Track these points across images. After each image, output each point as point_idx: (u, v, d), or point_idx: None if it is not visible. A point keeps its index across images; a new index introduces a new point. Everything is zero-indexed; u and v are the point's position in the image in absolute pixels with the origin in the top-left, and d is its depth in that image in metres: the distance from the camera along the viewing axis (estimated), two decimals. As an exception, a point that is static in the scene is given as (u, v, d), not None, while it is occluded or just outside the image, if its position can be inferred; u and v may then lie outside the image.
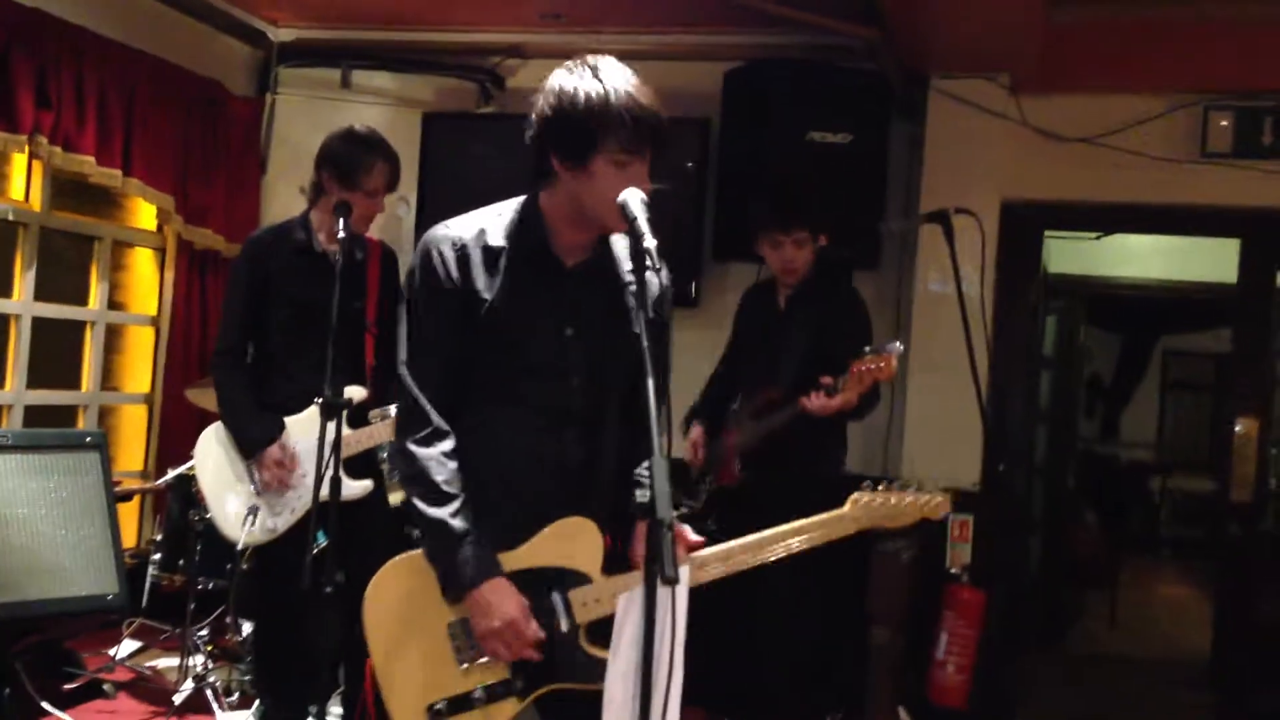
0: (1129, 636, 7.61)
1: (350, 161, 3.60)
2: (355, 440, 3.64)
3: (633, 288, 2.21)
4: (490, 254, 2.19)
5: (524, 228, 2.22)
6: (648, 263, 1.96)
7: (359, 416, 3.76)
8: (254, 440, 3.65)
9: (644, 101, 2.09)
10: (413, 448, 2.15)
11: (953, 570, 4.85)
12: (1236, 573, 5.20)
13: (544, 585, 2.15)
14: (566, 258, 2.23)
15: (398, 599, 2.15)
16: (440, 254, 2.17)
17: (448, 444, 2.14)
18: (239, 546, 3.68)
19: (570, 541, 2.16)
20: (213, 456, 3.77)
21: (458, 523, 2.09)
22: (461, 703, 2.10)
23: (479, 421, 2.19)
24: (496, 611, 2.06)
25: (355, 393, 3.60)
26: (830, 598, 4.14)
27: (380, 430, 3.77)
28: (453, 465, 2.13)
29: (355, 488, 3.62)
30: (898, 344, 3.67)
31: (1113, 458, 11.34)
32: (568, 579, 2.16)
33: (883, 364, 3.64)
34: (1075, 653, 6.95)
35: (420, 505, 2.12)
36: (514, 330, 2.18)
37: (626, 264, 2.24)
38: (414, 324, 2.22)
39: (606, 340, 2.10)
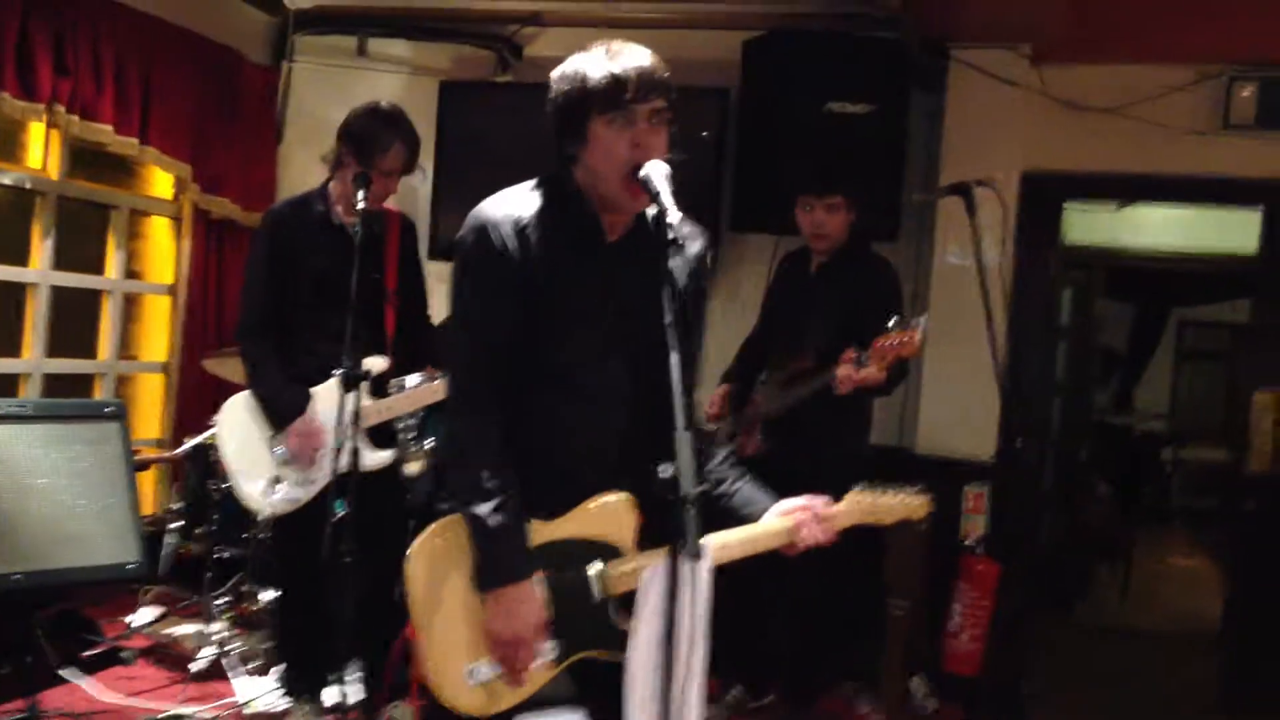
0: (1141, 607, 7.62)
1: (369, 140, 3.59)
2: (376, 411, 3.66)
3: (670, 260, 2.16)
4: (540, 231, 2.15)
5: (568, 206, 2.19)
6: (672, 236, 1.96)
7: (379, 387, 3.78)
8: (285, 413, 3.67)
9: (625, 58, 2.09)
10: (460, 433, 2.14)
11: (966, 542, 4.87)
12: (1250, 544, 5.19)
13: (578, 556, 2.17)
14: (609, 233, 2.21)
15: (440, 561, 2.15)
16: (500, 232, 2.13)
17: (496, 431, 2.12)
18: (262, 517, 3.71)
19: (606, 515, 2.18)
20: (236, 427, 3.79)
21: (495, 520, 2.07)
22: (508, 674, 2.12)
23: (526, 400, 2.17)
24: (508, 622, 2.07)
25: (376, 364, 3.62)
26: (846, 568, 4.15)
27: (400, 402, 3.79)
28: (499, 458, 2.11)
29: (376, 458, 3.64)
30: (923, 320, 3.66)
31: (1126, 428, 11.32)
32: (602, 551, 2.17)
33: (906, 339, 3.63)
34: (1087, 623, 6.97)
35: (464, 495, 2.10)
36: (561, 308, 2.16)
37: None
38: (464, 304, 2.17)
39: (650, 316, 2.03)
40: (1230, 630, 5.30)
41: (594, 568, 2.17)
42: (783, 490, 2.37)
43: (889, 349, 3.66)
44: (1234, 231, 6.66)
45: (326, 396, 3.62)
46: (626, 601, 2.14)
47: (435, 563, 2.16)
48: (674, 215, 1.98)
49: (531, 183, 2.24)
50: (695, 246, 2.28)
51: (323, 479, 3.62)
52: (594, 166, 2.13)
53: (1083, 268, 7.13)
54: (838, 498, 2.36)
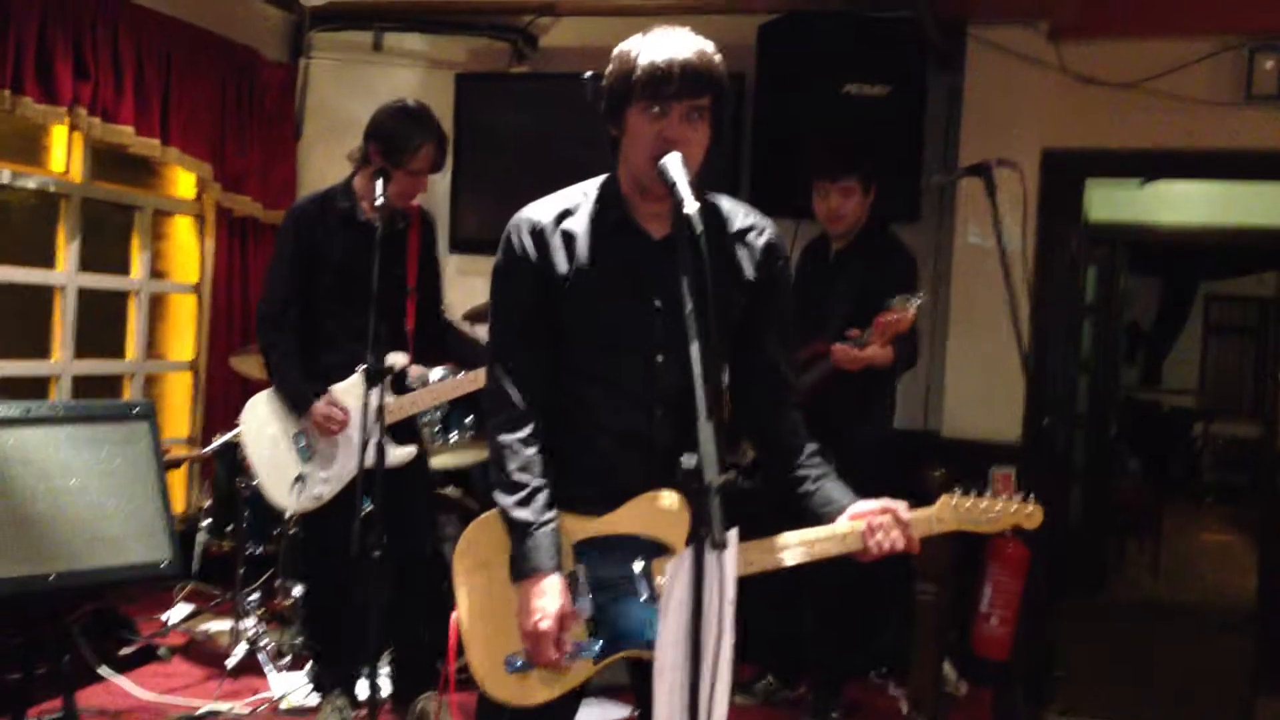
0: (1173, 584, 7.60)
1: (399, 140, 3.59)
2: (398, 407, 3.68)
3: (735, 251, 2.20)
4: (570, 231, 2.17)
5: (604, 203, 2.20)
6: (692, 228, 1.93)
7: (400, 383, 3.80)
8: (305, 396, 3.70)
9: (677, 48, 2.06)
10: (493, 432, 2.16)
11: (996, 523, 4.84)
12: (1282, 522, 5.15)
13: (627, 552, 2.15)
14: (654, 230, 2.20)
15: (484, 552, 2.17)
16: (518, 236, 2.18)
17: (526, 429, 2.14)
18: (287, 514, 3.74)
19: (656, 512, 2.15)
20: (259, 424, 3.82)
21: (519, 513, 2.09)
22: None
23: (569, 399, 2.19)
24: (528, 614, 2.08)
25: (398, 359, 3.64)
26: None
27: (422, 397, 3.81)
28: (528, 451, 2.13)
29: (399, 454, 3.66)
30: (919, 296, 3.70)
31: (1154, 405, 11.26)
32: (651, 548, 2.15)
33: (899, 316, 3.70)
34: (1119, 601, 6.94)
35: (495, 490, 2.14)
36: (597, 307, 2.16)
37: (733, 227, 2.22)
38: (496, 308, 2.23)
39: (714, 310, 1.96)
40: (1265, 605, 5.26)
41: (640, 565, 2.14)
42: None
43: (887, 325, 3.73)
44: (1259, 205, 6.61)
45: (349, 391, 3.65)
46: None
47: (478, 555, 2.18)
48: (691, 206, 1.96)
49: (583, 184, 2.25)
50: (762, 237, 2.25)
51: (346, 475, 3.65)
52: (627, 152, 2.14)
53: (1107, 245, 7.08)
54: (865, 483, 2.26)
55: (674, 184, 1.99)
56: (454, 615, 2.17)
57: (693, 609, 1.83)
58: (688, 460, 1.79)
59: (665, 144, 2.05)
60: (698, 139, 2.09)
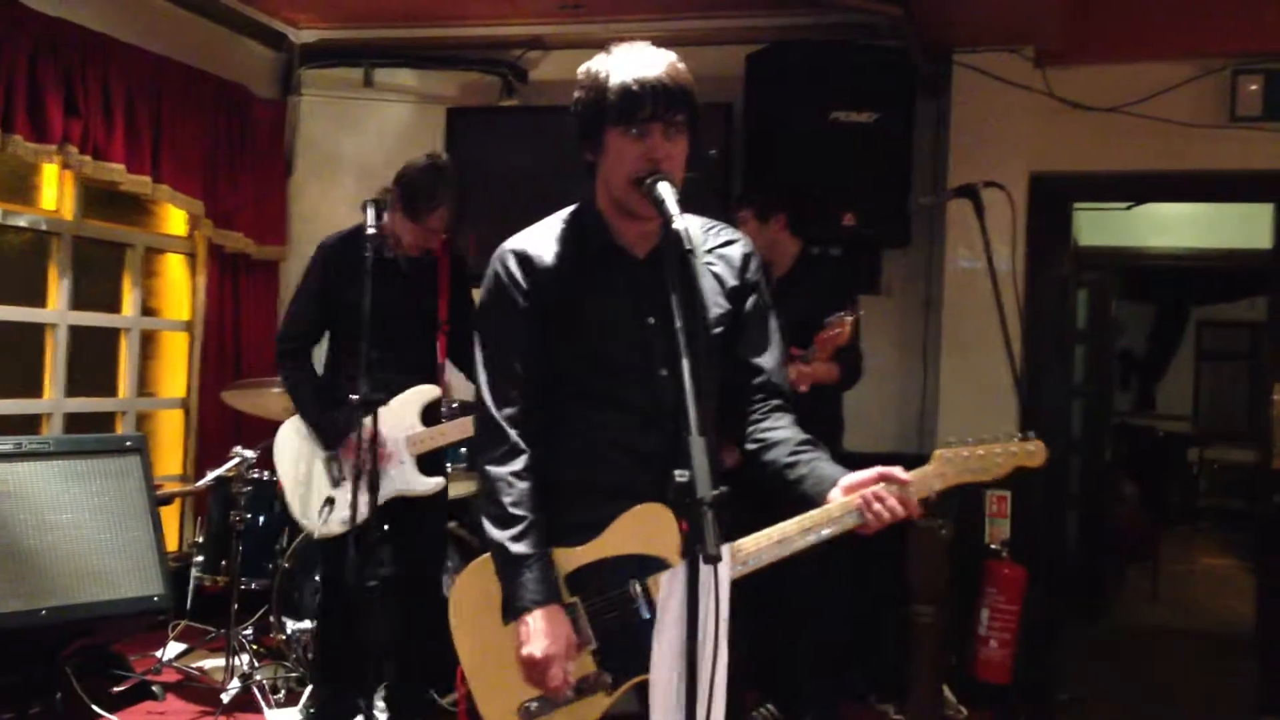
0: (1171, 609, 7.56)
1: (419, 197, 3.74)
2: (428, 438, 3.76)
3: (713, 267, 2.22)
4: (556, 259, 2.17)
5: (586, 229, 2.20)
6: (683, 245, 1.94)
7: (434, 415, 3.83)
8: (332, 432, 3.75)
9: (647, 67, 2.07)
10: (486, 467, 2.14)
11: (992, 546, 4.83)
12: (1278, 539, 5.14)
13: (621, 574, 2.11)
14: (637, 250, 2.20)
15: (482, 599, 2.13)
16: (505, 266, 2.17)
17: (519, 462, 2.12)
18: (315, 536, 3.78)
19: (647, 528, 2.09)
20: (290, 448, 3.88)
21: (516, 548, 2.06)
22: (552, 700, 2.07)
23: (572, 424, 2.17)
24: (529, 644, 2.04)
25: (429, 391, 3.70)
26: (869, 577, 4.13)
27: (452, 429, 3.84)
28: (523, 485, 2.10)
29: (428, 484, 3.72)
30: (855, 310, 3.79)
31: (1149, 430, 11.25)
32: (647, 566, 2.10)
33: (839, 330, 3.75)
34: (1118, 626, 6.91)
35: (487, 524, 2.11)
36: (593, 330, 2.16)
37: (705, 245, 2.23)
38: (485, 340, 2.21)
39: (699, 326, 2.00)
40: (1263, 629, 5.24)
41: (637, 584, 2.10)
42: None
43: (828, 340, 3.77)
44: (1248, 228, 6.64)
45: (383, 421, 3.67)
46: None
47: (475, 601, 2.14)
48: (680, 223, 1.97)
49: (559, 213, 2.25)
50: (735, 249, 2.27)
51: (377, 500, 3.67)
52: (607, 174, 2.14)
53: (1097, 269, 7.10)
54: None
55: (662, 201, 2.00)
56: (460, 668, 2.13)
57: (688, 625, 1.82)
58: (680, 475, 1.78)
59: (650, 163, 2.06)
60: (678, 152, 2.12)
